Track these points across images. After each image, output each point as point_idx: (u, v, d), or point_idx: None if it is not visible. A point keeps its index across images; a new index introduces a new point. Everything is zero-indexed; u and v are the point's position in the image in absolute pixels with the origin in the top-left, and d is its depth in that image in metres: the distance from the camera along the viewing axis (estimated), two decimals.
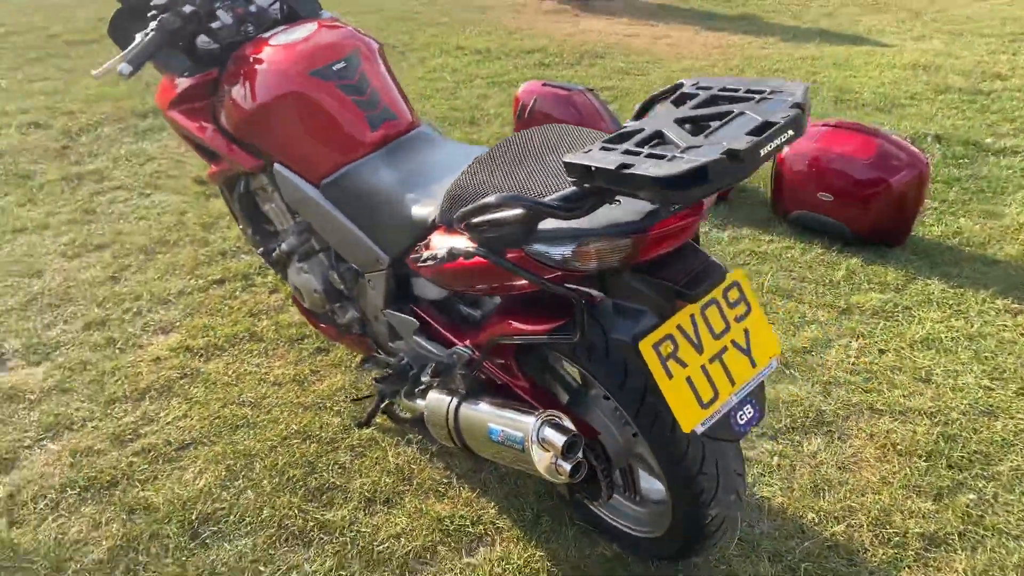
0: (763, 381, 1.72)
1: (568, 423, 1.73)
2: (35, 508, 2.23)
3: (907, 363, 2.86)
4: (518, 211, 1.52)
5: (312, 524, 2.20)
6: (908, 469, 2.40)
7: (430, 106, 5.35)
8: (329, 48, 2.22)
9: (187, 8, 2.27)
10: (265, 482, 2.33)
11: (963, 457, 2.43)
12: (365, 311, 2.37)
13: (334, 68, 2.19)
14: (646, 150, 1.33)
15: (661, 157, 1.29)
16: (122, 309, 3.14)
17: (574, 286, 1.64)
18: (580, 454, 1.72)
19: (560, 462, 1.71)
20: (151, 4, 2.29)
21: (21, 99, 5.42)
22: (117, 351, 2.89)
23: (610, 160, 1.33)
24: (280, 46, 2.25)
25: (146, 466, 2.39)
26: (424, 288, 2.19)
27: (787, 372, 2.83)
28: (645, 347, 1.56)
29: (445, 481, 2.35)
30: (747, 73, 6.21)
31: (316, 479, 2.35)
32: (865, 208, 3.59)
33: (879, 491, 2.32)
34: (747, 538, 2.19)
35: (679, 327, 1.60)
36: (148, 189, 4.17)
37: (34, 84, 5.69)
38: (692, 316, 1.62)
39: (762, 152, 1.25)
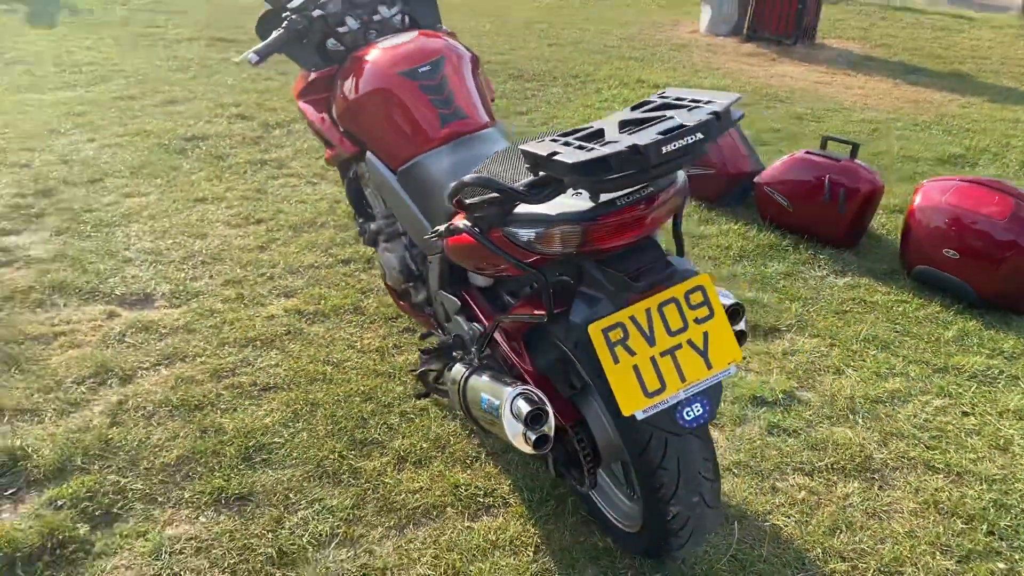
0: (720, 384, 1.78)
1: (542, 397, 1.86)
2: (133, 415, 2.65)
3: (988, 429, 2.72)
4: (493, 193, 1.71)
5: (346, 469, 2.46)
6: (942, 528, 2.30)
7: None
8: (419, 52, 2.51)
9: (315, 13, 2.66)
10: (320, 428, 2.63)
11: (1009, 527, 2.30)
12: (429, 291, 2.62)
13: (420, 70, 2.47)
14: (578, 143, 1.48)
15: (584, 148, 1.44)
16: (258, 273, 3.59)
17: (553, 272, 1.80)
18: (546, 428, 1.85)
19: (527, 431, 1.85)
20: (287, 7, 2.69)
21: (239, 94, 6.22)
22: (242, 305, 3.33)
23: (546, 148, 1.49)
24: (382, 49, 2.57)
25: (230, 399, 2.76)
26: (474, 275, 2.41)
27: (850, 417, 2.77)
28: (594, 330, 1.68)
29: (474, 455, 2.54)
30: (933, 129, 5.92)
31: (363, 433, 2.61)
32: (993, 270, 3.41)
33: (901, 542, 2.25)
34: (743, 557, 2.21)
35: (632, 318, 1.71)
36: (315, 179, 4.69)
37: (255, 83, 6.51)
38: (648, 310, 1.72)
39: (664, 150, 1.37)
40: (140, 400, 2.72)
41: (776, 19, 8.52)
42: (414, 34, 2.63)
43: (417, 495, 2.38)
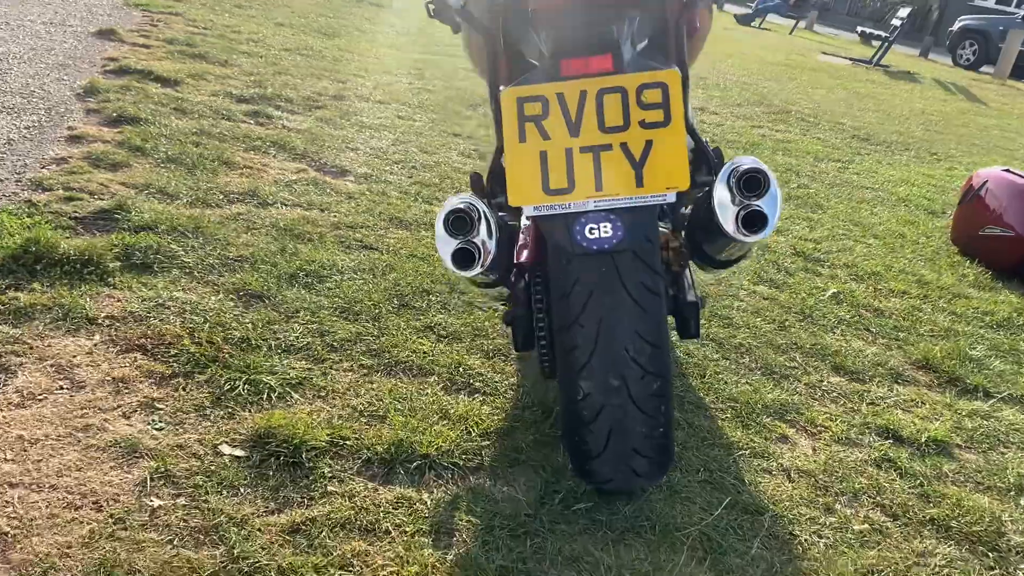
0: (650, 214, 1.37)
1: (478, 206, 1.58)
2: (240, 224, 2.80)
3: None
4: None
5: (366, 313, 2.35)
6: None
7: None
8: None
9: None
10: (378, 284, 2.55)
11: None
12: None
13: None
14: None
15: None
16: (453, 189, 3.63)
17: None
18: (476, 240, 1.57)
19: (447, 236, 1.59)
20: None
21: None
22: (412, 201, 3.38)
23: None
24: None
25: (329, 242, 2.79)
26: None
27: None
28: (507, 98, 1.39)
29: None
30: None
31: (406, 300, 2.48)
32: None
33: None
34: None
35: (560, 96, 1.38)
36: None
37: None
38: (583, 92, 1.38)
39: None
40: (258, 218, 2.86)
41: None
42: None
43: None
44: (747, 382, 2.34)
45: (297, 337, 2.17)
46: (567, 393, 1.54)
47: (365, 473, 1.74)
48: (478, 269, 1.58)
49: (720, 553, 1.65)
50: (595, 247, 1.39)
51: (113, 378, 1.88)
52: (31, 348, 1.93)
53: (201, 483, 1.61)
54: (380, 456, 1.78)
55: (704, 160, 1.68)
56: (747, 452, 2.01)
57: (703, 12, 1.94)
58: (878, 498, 1.92)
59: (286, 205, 3.04)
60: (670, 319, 1.76)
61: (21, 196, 2.68)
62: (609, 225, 1.38)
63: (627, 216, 1.38)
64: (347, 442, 1.80)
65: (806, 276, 3.23)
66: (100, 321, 2.08)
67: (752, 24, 18.47)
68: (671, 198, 1.38)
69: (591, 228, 1.38)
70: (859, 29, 17.92)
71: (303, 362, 2.08)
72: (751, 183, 1.45)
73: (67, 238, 2.42)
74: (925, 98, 9.76)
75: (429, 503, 1.67)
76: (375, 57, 6.27)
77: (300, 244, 2.71)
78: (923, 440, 2.17)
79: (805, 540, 1.74)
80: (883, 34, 13.90)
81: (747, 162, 1.50)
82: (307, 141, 3.82)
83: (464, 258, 1.56)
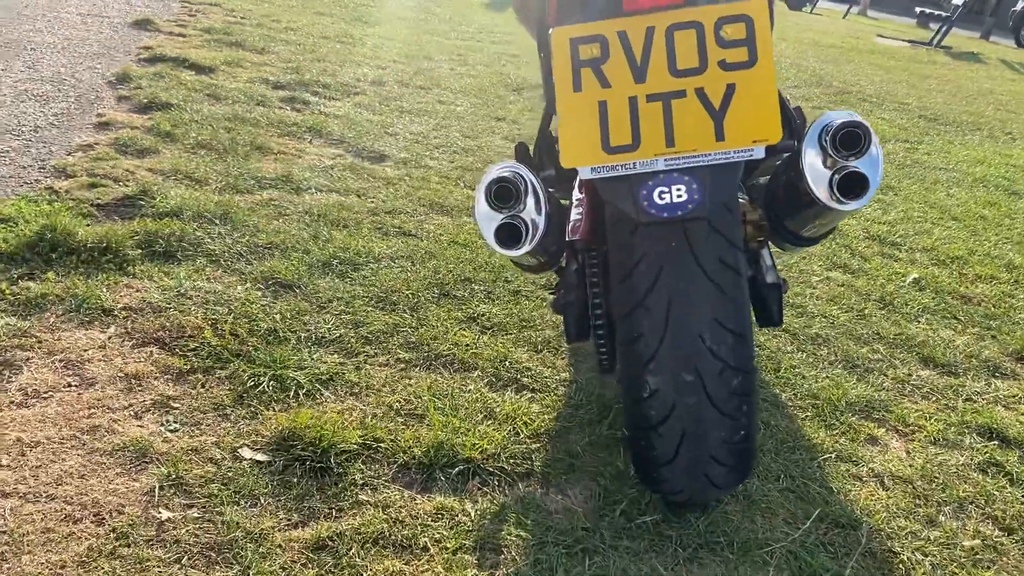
0: (736, 170, 1.14)
1: (524, 175, 1.37)
2: (270, 210, 2.62)
3: None
4: None
5: (404, 303, 2.16)
6: None
7: None
8: None
9: None
10: (417, 272, 2.35)
11: None
12: None
13: None
14: None
15: None
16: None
17: None
18: (523, 214, 1.36)
19: (491, 211, 1.39)
20: None
21: None
22: (452, 186, 3.18)
23: None
24: None
25: (366, 228, 2.60)
26: None
27: None
28: (559, 37, 1.17)
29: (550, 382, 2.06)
30: None
31: (447, 289, 2.28)
32: None
33: None
34: None
35: (622, 35, 1.16)
36: None
37: None
38: (650, 29, 1.16)
39: None
40: (291, 204, 2.68)
41: None
42: None
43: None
44: (827, 376, 2.09)
45: (329, 329, 1.98)
46: (631, 390, 1.32)
47: (401, 480, 1.54)
48: (526, 247, 1.37)
49: (810, 574, 1.42)
50: (667, 214, 1.16)
51: (126, 374, 1.70)
52: (40, 342, 1.77)
53: (216, 492, 1.42)
54: (418, 460, 1.58)
55: (784, 121, 1.45)
56: (832, 456, 1.78)
57: None
58: (988, 509, 1.67)
59: (321, 191, 2.86)
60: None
61: (43, 183, 2.54)
62: (683, 188, 1.16)
63: (706, 176, 1.16)
64: (381, 445, 1.60)
65: (883, 261, 2.96)
66: (116, 312, 1.91)
67: (804, 9, 17.94)
68: (759, 153, 1.15)
69: (661, 191, 1.16)
70: (917, 10, 17.34)
71: (335, 356, 1.89)
72: (849, 140, 1.22)
73: (87, 225, 2.27)
74: (992, 78, 9.29)
75: (473, 515, 1.47)
76: (416, 44, 6.09)
77: (335, 231, 2.53)
78: None
79: (908, 559, 1.50)
80: (943, 14, 13.36)
81: (841, 116, 1.26)
82: (344, 126, 3.64)
83: (510, 235, 1.35)
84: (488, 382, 1.88)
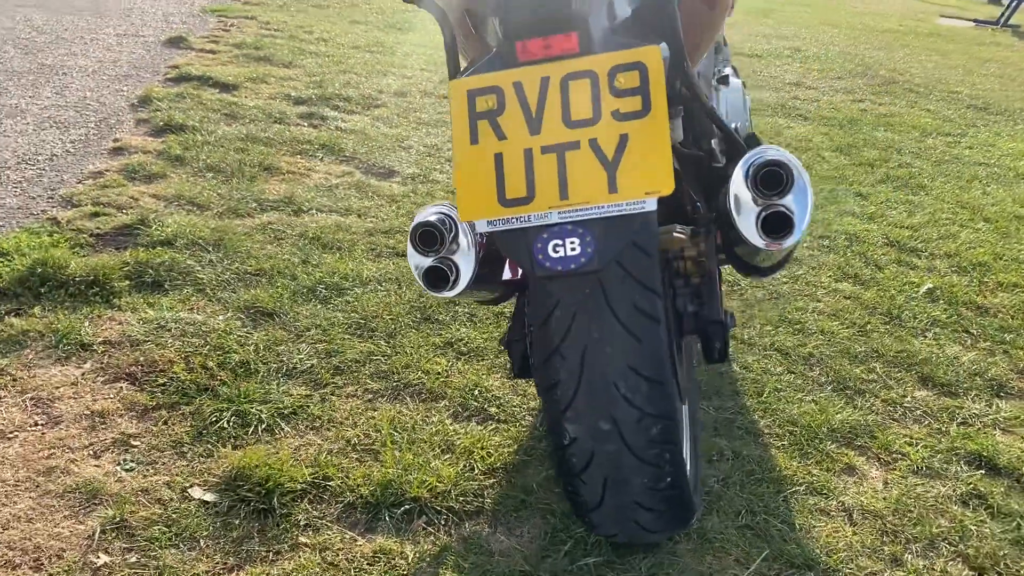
0: (622, 221, 1.10)
1: (450, 217, 1.36)
2: (270, 233, 2.66)
3: None
4: None
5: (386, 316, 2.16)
6: None
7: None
8: None
9: None
10: (391, 293, 2.36)
11: None
12: None
13: None
14: None
15: None
16: None
17: None
18: (445, 253, 1.35)
19: (416, 251, 1.38)
20: None
21: None
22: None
23: None
24: None
25: (361, 245, 2.62)
26: None
27: None
28: (455, 90, 1.15)
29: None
30: None
31: (423, 304, 2.28)
32: None
33: None
34: None
35: (517, 85, 1.14)
36: None
37: None
38: (545, 80, 1.13)
39: None
40: (288, 227, 2.72)
41: None
42: None
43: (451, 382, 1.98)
44: (812, 400, 2.03)
45: (302, 359, 2.00)
46: (553, 436, 1.30)
47: (345, 520, 1.54)
48: (457, 289, 1.35)
49: None
50: (561, 267, 1.14)
51: (92, 412, 1.75)
52: (14, 380, 1.83)
53: (158, 535, 1.45)
54: (365, 500, 1.58)
55: (735, 150, 1.41)
56: (802, 488, 1.72)
57: None
58: (960, 546, 1.59)
59: (321, 211, 2.89)
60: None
61: (48, 213, 2.62)
62: (577, 240, 1.13)
63: (599, 229, 1.13)
64: (330, 483, 1.61)
65: (898, 270, 2.85)
66: (95, 347, 1.97)
67: None
68: (651, 205, 1.11)
69: (556, 245, 1.14)
70: None
71: (303, 388, 1.91)
72: (769, 180, 1.17)
73: (82, 257, 2.33)
74: None
75: (411, 557, 1.46)
76: None
77: (326, 254, 2.55)
78: None
79: None
80: None
81: (769, 152, 1.21)
82: (358, 142, 3.67)
83: (439, 277, 1.34)
84: (454, 412, 1.88)
